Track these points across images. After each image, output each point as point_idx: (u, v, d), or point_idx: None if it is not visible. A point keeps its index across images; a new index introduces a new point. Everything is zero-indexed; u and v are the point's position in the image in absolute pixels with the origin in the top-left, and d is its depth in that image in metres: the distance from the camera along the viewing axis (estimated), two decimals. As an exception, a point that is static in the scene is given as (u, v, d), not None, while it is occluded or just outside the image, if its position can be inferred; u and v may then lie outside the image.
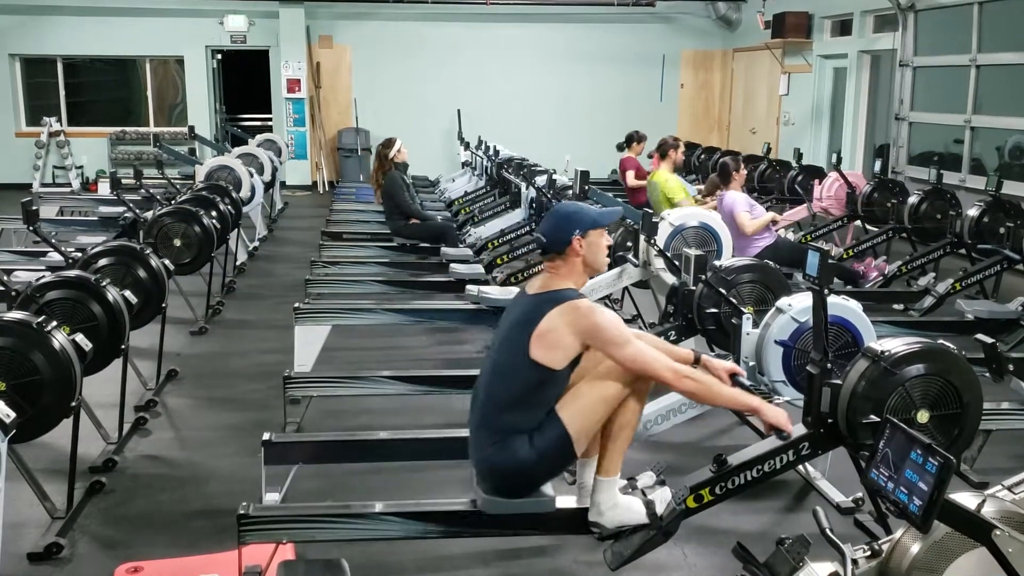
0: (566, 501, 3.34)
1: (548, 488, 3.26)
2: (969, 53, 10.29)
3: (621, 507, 3.22)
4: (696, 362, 3.36)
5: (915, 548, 2.39)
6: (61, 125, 15.03)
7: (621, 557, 3.21)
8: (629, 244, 6.30)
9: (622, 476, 3.31)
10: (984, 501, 2.25)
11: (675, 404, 4.34)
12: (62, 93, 15.28)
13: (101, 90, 16.28)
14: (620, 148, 10.32)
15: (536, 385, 3.12)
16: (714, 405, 3.42)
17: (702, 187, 8.78)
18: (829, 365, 3.50)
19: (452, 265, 7.17)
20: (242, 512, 3.11)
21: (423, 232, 8.44)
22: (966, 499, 2.26)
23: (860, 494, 3.98)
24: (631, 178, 9.87)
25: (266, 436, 3.70)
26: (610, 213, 3.41)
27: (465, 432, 3.41)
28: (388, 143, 8.57)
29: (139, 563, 3.45)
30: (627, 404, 3.19)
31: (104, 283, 4.51)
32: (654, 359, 3.11)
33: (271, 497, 3.66)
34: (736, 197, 7.13)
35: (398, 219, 8.47)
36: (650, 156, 8.66)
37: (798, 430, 3.56)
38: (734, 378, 3.38)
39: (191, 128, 12.69)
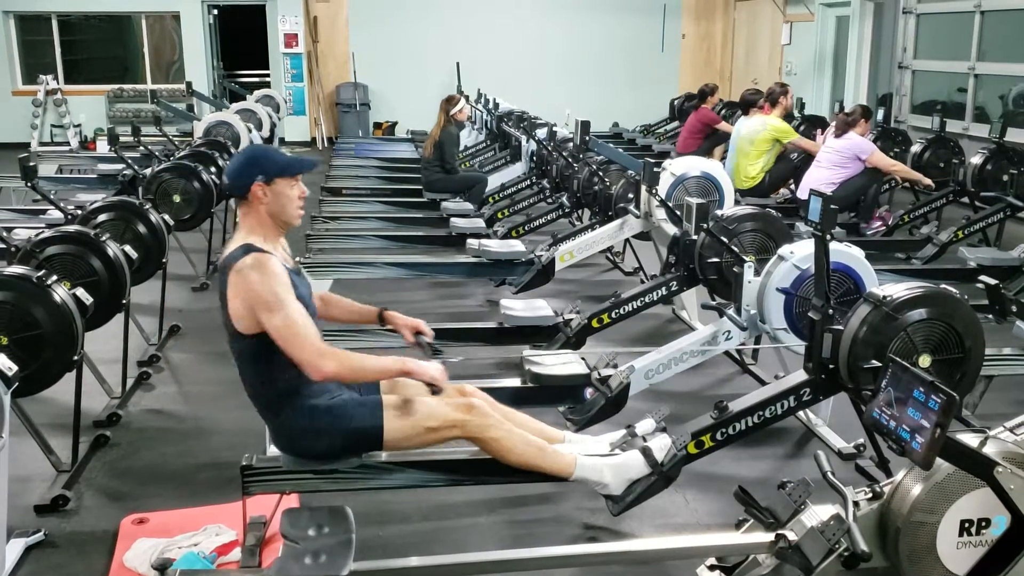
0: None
1: None
2: (973, -1, 10.16)
3: (621, 467, 3.22)
4: (380, 318, 3.28)
5: (916, 489, 2.40)
6: (58, 83, 14.90)
7: (623, 503, 3.23)
8: (631, 195, 6.28)
9: (623, 426, 3.34)
10: (985, 441, 2.25)
11: (675, 353, 4.35)
12: (58, 50, 15.14)
13: (98, 47, 16.16)
14: (695, 106, 10.57)
15: (263, 355, 2.92)
16: (364, 381, 3.09)
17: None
18: (831, 311, 3.49)
19: (453, 219, 7.14)
20: (246, 463, 3.12)
21: (455, 185, 8.44)
22: (968, 439, 2.27)
23: (861, 440, 3.99)
24: (726, 127, 9.95)
25: (269, 388, 3.70)
26: (300, 162, 3.08)
27: (467, 383, 3.42)
28: (452, 100, 8.58)
29: (145, 514, 3.48)
30: (499, 442, 3.07)
31: (104, 238, 4.50)
32: (301, 335, 2.82)
33: (275, 449, 3.67)
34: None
35: (436, 171, 8.45)
36: (759, 106, 8.64)
37: (799, 376, 3.57)
38: (418, 337, 3.26)
39: (189, 84, 12.60)
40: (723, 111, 11.46)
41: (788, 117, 8.88)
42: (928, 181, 7.91)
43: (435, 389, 3.02)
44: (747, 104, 8.78)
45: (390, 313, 3.34)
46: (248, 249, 2.92)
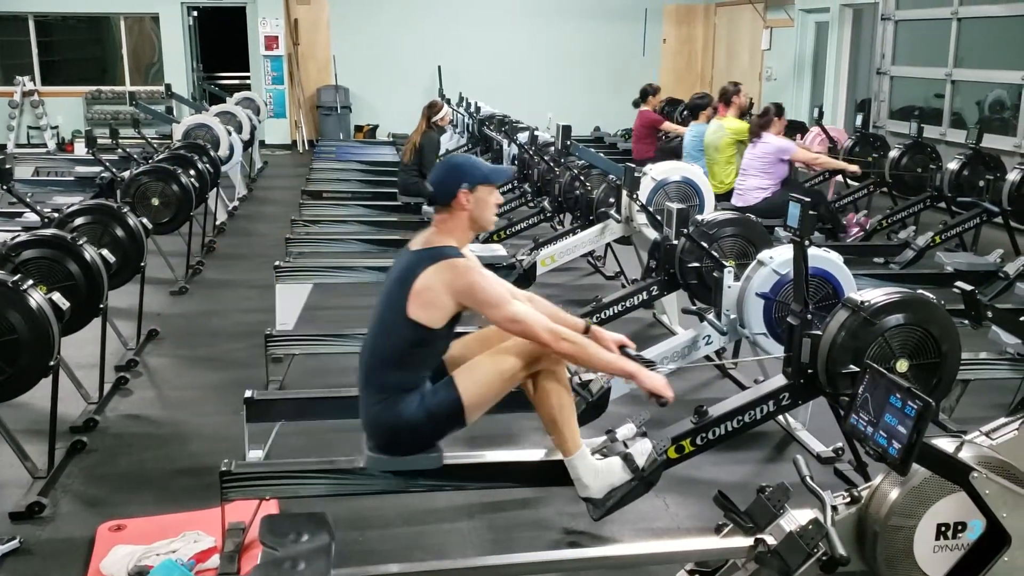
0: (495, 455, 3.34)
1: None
2: (951, 6, 10.26)
3: (603, 472, 3.22)
4: (586, 331, 3.29)
5: (894, 494, 2.42)
6: (35, 84, 14.78)
7: (604, 508, 3.23)
8: (612, 200, 6.29)
9: (604, 431, 3.34)
10: (961, 446, 2.26)
11: (656, 358, 4.35)
12: (35, 51, 15.01)
13: (75, 48, 16.03)
14: (636, 104, 10.10)
15: (415, 343, 3.06)
16: (590, 368, 3.36)
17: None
18: (809, 316, 3.51)
19: (433, 223, 7.12)
20: (224, 469, 3.10)
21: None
22: (944, 444, 2.28)
23: (840, 444, 4.01)
24: (669, 127, 9.90)
25: (248, 393, 3.68)
26: (501, 171, 3.34)
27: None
28: (435, 107, 8.50)
29: (122, 521, 3.45)
30: (548, 386, 3.15)
31: (81, 242, 4.46)
32: (532, 321, 3.03)
33: (254, 454, 3.66)
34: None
35: (413, 175, 8.41)
36: (713, 107, 8.64)
37: (778, 380, 3.59)
38: (622, 349, 3.31)
39: (168, 86, 12.52)
40: (666, 109, 11.50)
41: (743, 115, 8.84)
42: (855, 168, 8.04)
43: (662, 401, 3.08)
44: (696, 109, 8.77)
45: (596, 329, 3.35)
46: (455, 251, 3.10)
